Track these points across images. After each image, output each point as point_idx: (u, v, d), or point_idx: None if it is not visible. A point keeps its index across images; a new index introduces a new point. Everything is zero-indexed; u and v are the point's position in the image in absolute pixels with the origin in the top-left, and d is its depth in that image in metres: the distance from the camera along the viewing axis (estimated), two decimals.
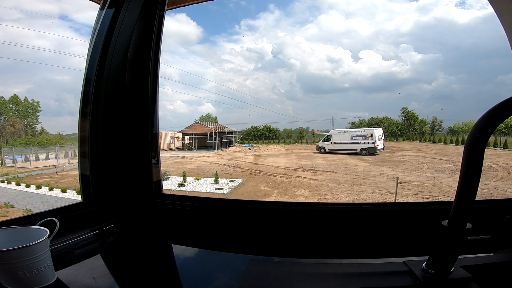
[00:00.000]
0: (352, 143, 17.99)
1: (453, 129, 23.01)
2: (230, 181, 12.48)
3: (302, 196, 10.32)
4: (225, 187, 11.57)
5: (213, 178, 12.39)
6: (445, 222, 0.66)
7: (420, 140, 22.92)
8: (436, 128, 23.84)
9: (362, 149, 17.49)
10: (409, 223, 1.00)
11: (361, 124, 25.78)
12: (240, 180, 12.62)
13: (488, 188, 9.71)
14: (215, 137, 23.14)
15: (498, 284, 0.73)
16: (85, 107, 1.18)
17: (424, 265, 0.71)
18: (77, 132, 1.21)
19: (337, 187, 11.20)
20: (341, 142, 18.39)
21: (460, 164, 0.63)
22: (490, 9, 1.23)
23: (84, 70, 1.18)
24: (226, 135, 24.60)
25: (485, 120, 0.60)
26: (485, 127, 0.60)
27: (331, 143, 18.91)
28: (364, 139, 17.68)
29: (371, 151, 17.21)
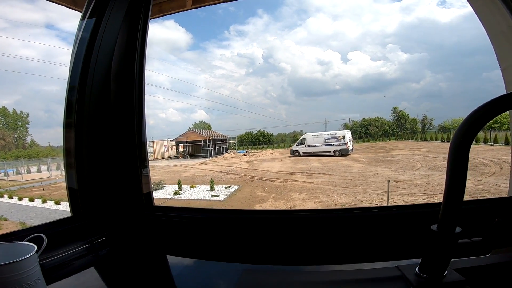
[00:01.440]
0: (326, 145, 19.17)
1: (443, 126, 23.46)
2: (226, 187, 12.41)
3: (298, 199, 10.31)
4: (221, 194, 11.50)
5: (209, 186, 12.31)
6: (434, 227, 0.66)
7: (412, 139, 23.27)
8: (427, 126, 24.27)
9: (335, 151, 18.72)
10: (401, 226, 1.00)
11: (354, 125, 26.12)
12: (236, 186, 12.57)
13: (482, 184, 9.86)
14: (209, 144, 23.07)
15: (492, 285, 0.73)
16: (69, 118, 1.15)
17: (417, 269, 0.70)
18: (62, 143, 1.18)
19: (333, 189, 11.23)
20: (315, 145, 19.47)
21: (446, 168, 0.63)
22: (469, 8, 1.26)
23: (67, 79, 1.15)
24: (220, 142, 24.55)
25: (467, 123, 0.60)
26: (468, 131, 0.60)
27: (305, 146, 19.83)
28: (336, 141, 18.98)
29: (343, 152, 18.49)
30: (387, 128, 25.07)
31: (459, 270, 0.69)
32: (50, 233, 0.83)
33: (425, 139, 22.18)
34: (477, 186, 9.61)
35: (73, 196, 1.18)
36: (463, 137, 0.60)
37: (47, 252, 0.80)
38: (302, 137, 20.62)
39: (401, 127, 24.72)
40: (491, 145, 16.40)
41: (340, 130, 25.69)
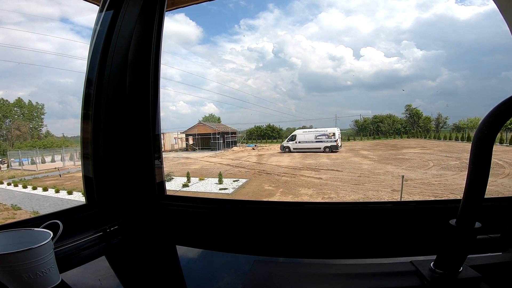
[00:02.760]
0: (316, 142, 19.46)
1: (458, 125, 22.74)
2: (234, 181, 12.49)
3: (306, 195, 10.29)
4: (229, 187, 11.59)
5: (217, 178, 12.41)
6: (453, 221, 0.65)
7: (425, 137, 22.70)
8: (441, 125, 23.60)
9: (325, 147, 19.10)
10: (416, 222, 0.98)
11: (365, 122, 25.66)
12: (244, 180, 12.62)
13: (495, 185, 9.58)
14: (218, 137, 23.17)
15: (508, 284, 0.71)
16: (87, 109, 1.18)
17: (431, 265, 0.69)
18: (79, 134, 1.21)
19: (341, 186, 11.14)
20: (306, 142, 19.73)
21: (468, 162, 0.61)
22: (490, 5, 1.21)
23: (85, 72, 1.18)
24: (230, 135, 24.62)
25: (492, 116, 0.58)
26: (493, 123, 0.58)
27: (295, 142, 19.99)
28: (327, 138, 19.33)
29: (333, 149, 18.91)
30: (399, 126, 24.52)
31: (475, 266, 0.68)
32: (65, 221, 0.85)
33: (439, 138, 21.60)
34: (490, 187, 9.35)
35: (89, 185, 1.22)
36: (487, 130, 0.58)
37: (60, 240, 0.81)
38: (293, 134, 20.85)
39: (414, 125, 24.13)
40: (507, 145, 15.86)
41: (352, 126, 25.45)
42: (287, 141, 20.71)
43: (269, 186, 11.61)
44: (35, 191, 11.49)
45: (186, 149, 24.23)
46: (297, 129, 22.12)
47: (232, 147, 23.94)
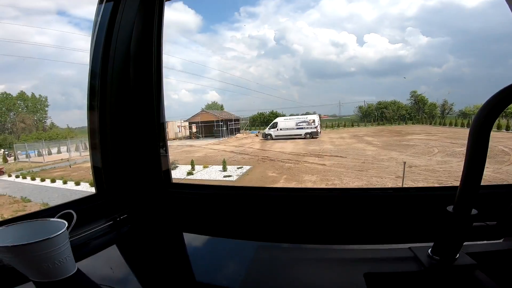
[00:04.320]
0: (297, 128, 19.89)
1: (464, 112, 22.34)
2: (238, 168, 12.59)
3: (310, 181, 10.36)
4: (233, 174, 11.70)
5: (221, 166, 12.51)
6: (450, 208, 0.66)
7: (430, 124, 22.42)
8: (446, 111, 23.22)
9: (306, 133, 19.61)
10: (416, 208, 1.00)
11: (369, 108, 25.35)
12: (248, 167, 12.71)
13: (500, 173, 9.51)
14: (221, 124, 23.16)
15: (503, 271, 0.73)
16: (93, 101, 1.20)
17: (429, 251, 0.71)
18: (86, 125, 1.23)
19: (345, 172, 11.17)
20: (287, 129, 20.10)
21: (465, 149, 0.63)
22: None
23: (89, 64, 1.18)
24: (233, 122, 24.58)
25: (490, 104, 0.59)
26: (491, 111, 0.59)
27: (277, 129, 20.33)
28: (307, 125, 19.79)
29: (313, 135, 19.51)
30: (404, 112, 24.18)
31: (471, 254, 0.70)
32: (76, 211, 0.87)
33: (444, 124, 21.32)
34: (495, 175, 9.26)
35: (98, 175, 1.25)
36: (484, 118, 0.59)
37: (73, 230, 0.83)
38: (274, 121, 21.14)
39: (419, 111, 23.78)
40: None
41: (356, 112, 25.23)
42: (268, 128, 21.07)
43: (273, 173, 11.69)
44: (43, 183, 11.64)
45: (190, 137, 24.32)
46: (301, 115, 22.13)
47: (235, 134, 23.95)
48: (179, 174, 12.10)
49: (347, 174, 10.92)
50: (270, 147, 17.24)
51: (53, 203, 9.06)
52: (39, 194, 10.14)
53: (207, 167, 13.12)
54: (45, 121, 21.06)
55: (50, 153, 17.16)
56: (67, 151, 17.32)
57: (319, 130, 19.98)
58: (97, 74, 1.17)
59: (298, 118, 20.91)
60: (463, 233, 0.66)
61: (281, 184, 10.25)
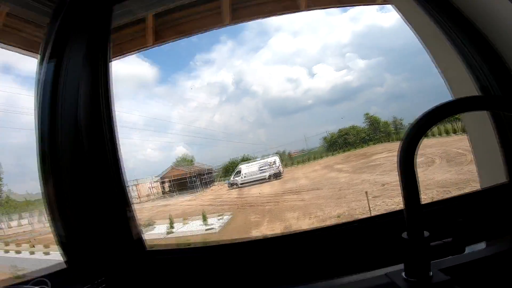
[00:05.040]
0: (261, 172, 20.47)
1: None
2: (219, 219, 12.07)
3: (293, 218, 10.20)
4: (216, 225, 11.15)
5: (201, 220, 11.92)
6: (405, 234, 0.70)
7: (388, 141, 24.13)
8: (398, 126, 25.37)
9: (270, 175, 20.19)
10: (382, 234, 1.03)
11: (332, 137, 26.84)
12: (229, 216, 12.26)
13: (463, 173, 10.16)
14: (194, 179, 22.62)
15: (477, 282, 0.76)
16: (45, 167, 1.14)
17: (403, 274, 0.73)
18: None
19: (325, 203, 11.25)
20: (251, 174, 20.59)
21: (398, 173, 0.68)
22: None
23: (36, 128, 1.14)
24: (206, 174, 24.16)
25: (413, 130, 0.67)
26: (414, 136, 0.66)
27: (242, 177, 20.65)
28: (269, 167, 20.55)
29: (277, 175, 20.15)
30: (363, 135, 25.92)
31: (444, 269, 0.72)
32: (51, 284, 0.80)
33: (400, 139, 23.06)
34: (459, 176, 9.90)
35: (65, 247, 1.15)
36: (409, 143, 0.66)
37: None
38: (237, 169, 21.64)
39: (376, 131, 25.69)
40: (461, 134, 17.35)
41: (320, 144, 26.46)
42: (233, 177, 21.18)
43: (255, 218, 11.37)
44: (7, 254, 10.59)
45: (163, 195, 23.18)
46: (270, 156, 22.72)
47: (210, 186, 23.38)
48: (157, 233, 11.20)
49: (327, 204, 11.00)
50: (247, 193, 17.01)
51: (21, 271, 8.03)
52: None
53: (186, 222, 12.38)
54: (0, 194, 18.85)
55: (10, 226, 15.35)
56: (29, 223, 15.53)
57: (281, 170, 20.55)
58: (46, 138, 1.13)
59: (258, 163, 21.39)
60: (424, 255, 0.69)
61: (265, 226, 9.93)
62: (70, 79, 1.15)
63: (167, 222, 12.36)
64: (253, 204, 13.64)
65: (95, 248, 1.17)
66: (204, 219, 11.77)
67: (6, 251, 11.05)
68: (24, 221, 15.93)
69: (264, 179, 19.93)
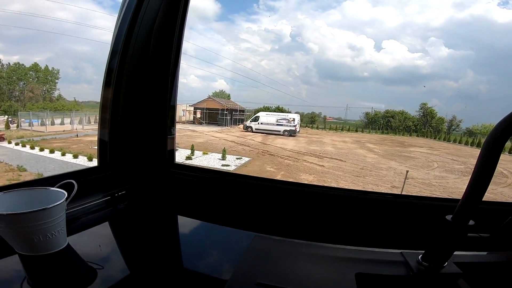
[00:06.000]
0: (277, 125, 20.33)
1: (471, 130, 22.19)
2: (237, 158, 12.63)
3: (306, 181, 10.40)
4: (232, 164, 11.74)
5: (221, 154, 12.53)
6: (449, 217, 0.68)
7: (434, 138, 22.33)
8: (453, 127, 23.07)
9: (285, 131, 20.10)
10: (412, 215, 1.02)
11: (376, 115, 25.25)
12: (247, 159, 12.75)
13: (494, 194, 9.51)
14: (226, 113, 23.12)
15: (485, 282, 0.75)
16: (109, 77, 1.21)
17: (419, 257, 0.73)
18: (93, 99, 1.24)
19: (342, 176, 11.21)
20: (268, 124, 20.57)
21: (475, 164, 0.63)
22: None
23: (111, 41, 1.19)
24: (238, 113, 24.53)
25: (508, 121, 0.59)
26: (507, 128, 0.59)
27: (258, 123, 20.81)
28: (287, 122, 20.27)
29: (292, 133, 20.00)
30: (410, 123, 24.05)
31: (458, 263, 0.72)
32: (76, 182, 0.83)
33: (449, 140, 21.23)
34: (488, 195, 9.21)
35: (103, 147, 1.26)
36: (500, 133, 0.59)
37: (69, 203, 0.79)
38: (256, 115, 21.77)
39: (425, 124, 23.64)
40: None
41: (360, 118, 25.15)
42: (250, 121, 21.55)
43: (271, 168, 11.74)
44: (41, 153, 11.51)
45: (193, 122, 24.30)
46: (292, 113, 22.63)
47: (239, 124, 23.93)
48: (177, 157, 12.12)
49: (344, 178, 10.95)
50: (271, 142, 17.25)
51: (47, 174, 8.84)
52: (36, 164, 10.00)
53: (206, 153, 13.15)
54: (53, 93, 21.16)
55: (53, 124, 17.21)
56: (70, 123, 17.36)
57: (297, 129, 20.49)
58: (118, 53, 1.17)
59: (279, 115, 21.45)
60: (457, 242, 0.68)
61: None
62: (152, 5, 1.16)
63: (188, 149, 13.12)
64: (274, 155, 13.93)
65: (130, 154, 1.29)
66: (224, 156, 12.32)
67: (41, 149, 11.74)
68: (67, 122, 17.58)
69: (279, 132, 20.08)
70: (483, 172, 0.62)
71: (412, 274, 0.71)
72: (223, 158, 12.30)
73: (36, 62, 20.99)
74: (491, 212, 0.94)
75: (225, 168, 11.29)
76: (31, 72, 20.46)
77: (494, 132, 0.60)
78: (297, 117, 20.79)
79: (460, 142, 20.27)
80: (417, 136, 23.10)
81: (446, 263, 0.70)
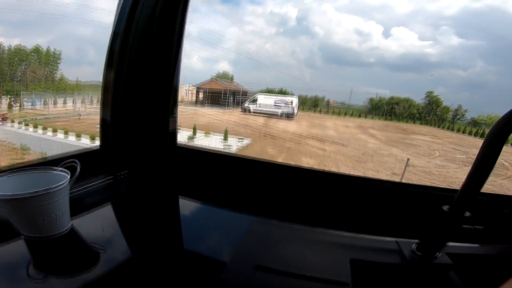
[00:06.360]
0: (275, 107, 20.40)
1: (475, 120, 21.89)
2: (239, 139, 12.65)
3: (307, 164, 10.46)
4: (233, 145, 11.78)
5: (223, 135, 12.54)
6: (445, 207, 0.69)
7: (438, 127, 22.11)
8: (458, 116, 22.76)
9: (282, 113, 20.18)
10: (410, 204, 1.02)
11: (380, 101, 24.88)
12: (249, 140, 12.77)
13: (493, 185, 9.54)
14: (229, 95, 22.87)
15: (474, 274, 0.77)
16: (111, 59, 1.19)
17: (413, 246, 0.75)
18: (95, 80, 1.22)
19: (343, 161, 11.26)
20: (266, 105, 20.60)
21: (476, 155, 0.63)
22: None
23: (113, 22, 1.16)
24: (241, 95, 24.24)
25: None
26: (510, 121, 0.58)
27: (256, 105, 20.80)
28: (285, 105, 20.36)
29: (289, 115, 20.15)
30: (414, 111, 23.74)
31: (450, 254, 0.73)
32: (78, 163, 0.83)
33: (452, 130, 21.03)
34: (487, 187, 9.22)
35: (105, 128, 1.25)
36: (505, 125, 0.59)
37: (71, 184, 0.78)
38: (254, 96, 21.67)
39: (430, 113, 23.33)
40: None
41: (364, 103, 24.88)
42: (248, 102, 21.51)
43: (273, 150, 11.78)
44: (44, 133, 11.57)
45: (196, 103, 24.11)
46: (295, 96, 22.38)
47: (241, 106, 23.76)
48: (179, 138, 12.13)
49: (345, 163, 11.01)
50: (273, 125, 17.18)
51: (51, 153, 9.00)
52: (39, 144, 10.05)
53: (208, 134, 13.15)
54: (55, 73, 20.91)
55: (55, 103, 17.18)
56: (73, 103, 17.33)
57: (295, 112, 20.55)
58: (120, 34, 1.15)
59: (277, 97, 21.47)
60: (451, 233, 0.69)
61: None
62: None
63: (190, 129, 13.10)
64: (275, 137, 13.94)
65: (132, 135, 1.28)
66: (225, 137, 12.32)
67: (44, 129, 11.73)
68: (69, 102, 17.46)
69: (276, 114, 20.11)
70: (484, 164, 0.62)
71: (405, 263, 0.73)
72: (225, 139, 12.31)
73: (38, 44, 20.67)
74: (487, 204, 0.94)
75: (226, 149, 11.34)
76: (33, 54, 20.12)
77: (498, 124, 0.59)
78: (295, 100, 20.80)
79: (464, 132, 20.09)
80: (420, 123, 22.87)
81: (439, 254, 0.72)
